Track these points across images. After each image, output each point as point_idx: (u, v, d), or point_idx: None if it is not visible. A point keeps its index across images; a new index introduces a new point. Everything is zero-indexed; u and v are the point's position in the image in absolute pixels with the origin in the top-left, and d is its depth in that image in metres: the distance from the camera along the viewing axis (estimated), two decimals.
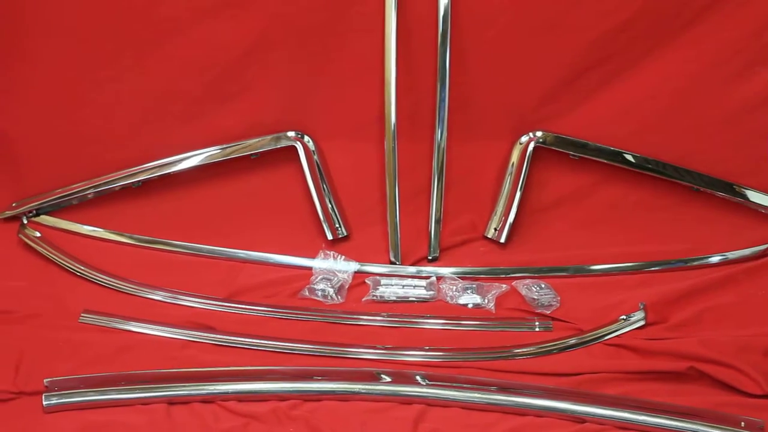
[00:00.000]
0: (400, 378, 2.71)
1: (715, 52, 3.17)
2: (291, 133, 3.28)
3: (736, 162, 3.27)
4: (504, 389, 2.66)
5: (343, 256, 3.22)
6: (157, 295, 3.08)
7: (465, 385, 2.67)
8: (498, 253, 3.29)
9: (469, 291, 3.11)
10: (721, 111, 3.22)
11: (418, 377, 2.71)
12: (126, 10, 3.15)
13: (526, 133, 3.28)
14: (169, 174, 3.28)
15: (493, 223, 3.29)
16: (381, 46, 3.14)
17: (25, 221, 3.32)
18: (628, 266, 3.21)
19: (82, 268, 3.14)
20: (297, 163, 3.27)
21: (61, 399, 2.58)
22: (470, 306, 3.07)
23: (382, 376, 2.71)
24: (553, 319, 3.01)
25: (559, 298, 3.06)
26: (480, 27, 3.15)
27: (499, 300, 3.08)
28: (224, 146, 3.26)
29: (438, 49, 3.13)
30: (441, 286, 3.14)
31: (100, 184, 3.29)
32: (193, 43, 3.19)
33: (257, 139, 3.27)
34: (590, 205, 3.33)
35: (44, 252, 3.20)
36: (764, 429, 2.50)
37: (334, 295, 3.10)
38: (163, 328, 2.92)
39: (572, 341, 2.89)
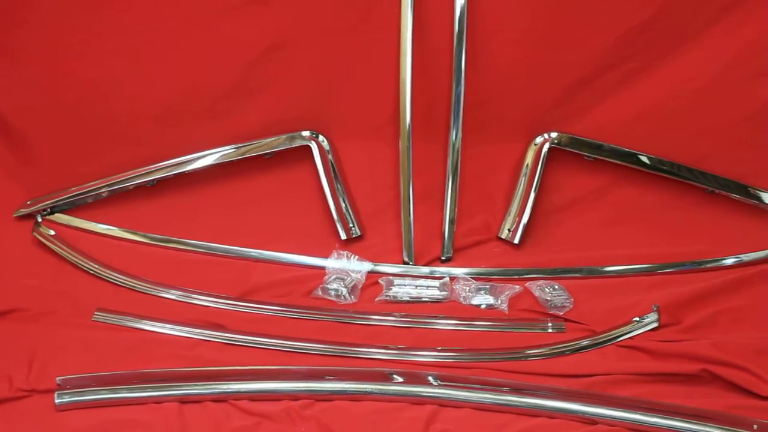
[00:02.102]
0: (412, 378, 2.71)
1: (735, 53, 3.14)
2: (306, 133, 3.28)
3: (754, 164, 3.25)
4: (516, 390, 2.67)
5: (357, 256, 3.22)
6: (171, 294, 3.08)
7: (477, 386, 2.67)
8: (511, 254, 3.28)
9: (482, 292, 3.11)
10: (740, 112, 3.20)
11: (430, 378, 2.71)
12: (146, 8, 3.14)
13: (541, 134, 3.27)
14: (183, 173, 3.28)
15: (507, 224, 3.29)
16: (397, 46, 3.14)
17: (40, 219, 3.32)
18: (641, 268, 3.20)
19: (96, 266, 3.15)
20: (311, 163, 3.27)
21: (74, 397, 2.59)
22: (483, 307, 3.07)
23: (394, 376, 2.71)
24: (566, 320, 3.01)
25: (572, 300, 3.06)
26: (496, 27, 3.14)
27: (512, 301, 3.08)
28: (239, 145, 3.26)
29: (453, 49, 3.12)
30: (454, 287, 3.13)
31: (114, 183, 3.29)
32: (214, 40, 3.19)
33: (272, 139, 3.27)
34: (604, 207, 3.32)
35: (58, 250, 3.20)
36: None
37: (347, 294, 3.10)
38: (175, 326, 2.93)
39: (585, 342, 2.89)
